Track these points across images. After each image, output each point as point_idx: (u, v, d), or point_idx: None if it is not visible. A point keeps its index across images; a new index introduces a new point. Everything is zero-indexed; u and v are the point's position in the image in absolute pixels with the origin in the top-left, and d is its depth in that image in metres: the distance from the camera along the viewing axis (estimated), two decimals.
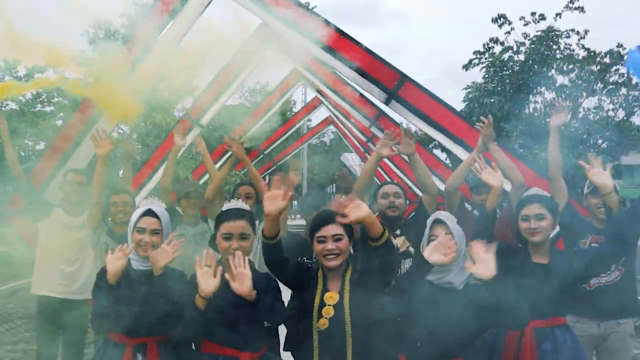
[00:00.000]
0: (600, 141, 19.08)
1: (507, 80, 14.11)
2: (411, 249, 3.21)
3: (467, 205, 4.33)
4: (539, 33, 16.21)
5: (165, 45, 4.63)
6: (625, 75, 18.62)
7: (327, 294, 2.44)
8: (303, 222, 4.97)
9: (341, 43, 3.87)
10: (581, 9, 19.13)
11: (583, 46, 19.24)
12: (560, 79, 19.45)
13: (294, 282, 2.57)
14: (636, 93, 18.80)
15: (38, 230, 3.85)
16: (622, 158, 20.92)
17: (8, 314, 9.33)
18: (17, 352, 6.94)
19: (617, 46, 18.41)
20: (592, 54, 18.95)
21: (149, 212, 2.57)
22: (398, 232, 3.35)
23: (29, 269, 4.12)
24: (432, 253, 2.35)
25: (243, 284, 2.27)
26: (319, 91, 9.15)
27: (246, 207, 2.59)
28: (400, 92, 3.88)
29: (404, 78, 3.89)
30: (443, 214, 2.58)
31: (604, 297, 3.26)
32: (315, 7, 39.85)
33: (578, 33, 19.18)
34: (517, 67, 15.12)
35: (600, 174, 2.78)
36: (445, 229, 2.48)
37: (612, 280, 3.31)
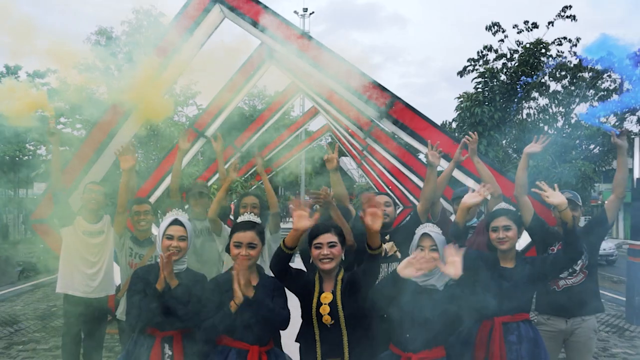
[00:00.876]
0: (592, 146, 19.47)
1: (497, 91, 14.57)
2: (398, 254, 3.56)
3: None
4: (528, 45, 16.67)
5: (186, 54, 5.05)
6: (617, 81, 19.05)
7: (323, 294, 2.86)
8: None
9: (338, 66, 4.26)
10: (573, 18, 19.60)
11: (575, 53, 19.68)
12: (553, 86, 19.94)
13: (295, 286, 2.96)
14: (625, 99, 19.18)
15: (62, 236, 4.20)
16: (613, 162, 21.30)
17: (16, 315, 9.46)
18: (28, 352, 7.10)
19: (608, 54, 18.81)
20: (582, 61, 19.39)
21: (176, 222, 2.96)
22: (387, 237, 3.71)
23: None
24: (405, 267, 2.73)
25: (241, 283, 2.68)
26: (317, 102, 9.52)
27: (257, 220, 2.98)
28: (391, 112, 4.27)
29: (394, 98, 4.29)
30: (429, 228, 2.96)
31: (571, 297, 3.64)
32: (313, 12, 39.89)
33: (570, 41, 19.63)
34: (507, 79, 15.59)
35: (554, 196, 3.15)
36: (431, 241, 2.87)
37: (578, 282, 3.69)
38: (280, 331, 3.09)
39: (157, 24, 21.10)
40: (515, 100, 14.28)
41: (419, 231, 2.94)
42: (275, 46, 4.76)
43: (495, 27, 19.72)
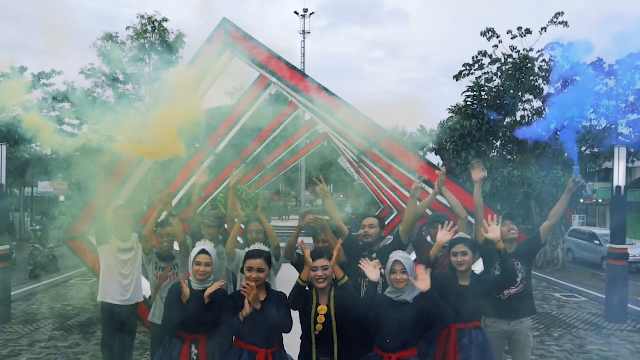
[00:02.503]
0: (583, 148, 20.04)
1: (485, 104, 15.29)
2: (382, 270, 4.23)
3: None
4: (516, 61, 17.33)
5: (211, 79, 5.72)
6: (608, 85, 19.64)
7: (319, 307, 3.61)
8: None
9: (333, 103, 4.93)
10: (565, 24, 20.17)
11: (567, 58, 20.23)
12: (547, 89, 20.53)
13: (299, 306, 3.67)
14: (614, 103, 19.78)
15: (100, 254, 4.88)
16: (605, 163, 21.85)
17: (33, 315, 10.04)
18: (50, 349, 7.70)
19: (598, 60, 19.43)
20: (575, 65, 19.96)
21: (203, 251, 3.65)
22: (374, 256, 4.37)
23: None
24: (370, 273, 3.62)
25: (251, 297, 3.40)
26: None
27: (266, 249, 3.70)
28: (380, 143, 4.94)
29: (382, 132, 4.95)
30: (400, 255, 3.68)
31: (513, 303, 4.37)
32: (313, 13, 40.26)
33: (563, 46, 20.21)
34: (493, 93, 16.30)
35: (491, 230, 3.93)
36: (401, 265, 3.58)
37: (519, 291, 4.44)
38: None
39: (161, 29, 21.76)
40: (503, 113, 14.95)
41: (392, 258, 3.66)
42: (273, 79, 5.44)
43: (490, 32, 20.34)
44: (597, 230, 21.35)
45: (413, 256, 5.06)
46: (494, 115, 14.19)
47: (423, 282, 3.46)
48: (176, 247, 4.91)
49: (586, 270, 18.33)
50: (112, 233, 4.89)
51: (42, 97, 24.76)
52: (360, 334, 3.65)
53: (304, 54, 38.86)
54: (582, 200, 29.45)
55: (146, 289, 5.16)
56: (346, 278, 3.61)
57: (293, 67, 5.04)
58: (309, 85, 4.92)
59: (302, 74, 5.11)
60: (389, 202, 13.08)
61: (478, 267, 4.47)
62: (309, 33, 38.98)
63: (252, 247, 3.68)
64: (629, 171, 31.17)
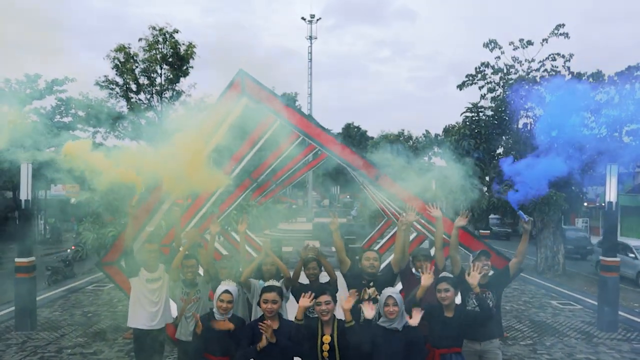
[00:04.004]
0: (583, 156, 20.46)
1: (483, 124, 15.94)
2: (378, 297, 4.86)
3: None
4: (512, 81, 17.95)
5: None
6: (607, 95, 20.15)
7: (324, 337, 4.24)
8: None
9: (340, 148, 5.61)
10: (566, 35, 20.67)
11: (569, 68, 20.79)
12: (548, 97, 20.99)
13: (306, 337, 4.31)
14: (616, 112, 20.27)
15: (131, 284, 5.51)
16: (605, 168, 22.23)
17: (57, 322, 10.57)
18: (76, 356, 8.22)
19: (597, 71, 19.93)
20: (576, 75, 20.48)
21: (227, 291, 4.37)
22: (371, 284, 5.02)
23: None
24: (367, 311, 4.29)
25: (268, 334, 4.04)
26: None
27: (278, 284, 4.40)
28: (378, 181, 5.60)
29: (380, 172, 5.62)
30: (391, 291, 4.35)
31: (483, 325, 4.92)
32: (320, 19, 40.70)
33: (564, 56, 20.74)
34: (490, 113, 16.94)
35: (471, 277, 4.66)
36: (393, 299, 4.24)
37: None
38: None
39: (172, 40, 22.42)
40: (499, 132, 15.59)
41: (385, 294, 4.34)
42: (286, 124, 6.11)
43: (492, 44, 20.89)
44: (633, 242, 18.74)
45: (399, 286, 5.73)
46: (479, 154, 14.81)
47: (415, 320, 4.28)
48: (200, 271, 5.57)
49: (586, 276, 18.66)
50: (141, 265, 5.50)
51: (54, 104, 25.54)
52: (361, 359, 4.26)
53: (310, 59, 39.42)
54: (585, 204, 29.86)
55: (173, 309, 5.79)
56: (353, 322, 4.26)
57: (302, 114, 5.70)
58: (316, 131, 5.59)
59: (313, 121, 5.78)
60: (390, 215, 13.67)
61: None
62: (316, 38, 39.51)
63: (267, 284, 4.40)
64: (633, 176, 31.58)
